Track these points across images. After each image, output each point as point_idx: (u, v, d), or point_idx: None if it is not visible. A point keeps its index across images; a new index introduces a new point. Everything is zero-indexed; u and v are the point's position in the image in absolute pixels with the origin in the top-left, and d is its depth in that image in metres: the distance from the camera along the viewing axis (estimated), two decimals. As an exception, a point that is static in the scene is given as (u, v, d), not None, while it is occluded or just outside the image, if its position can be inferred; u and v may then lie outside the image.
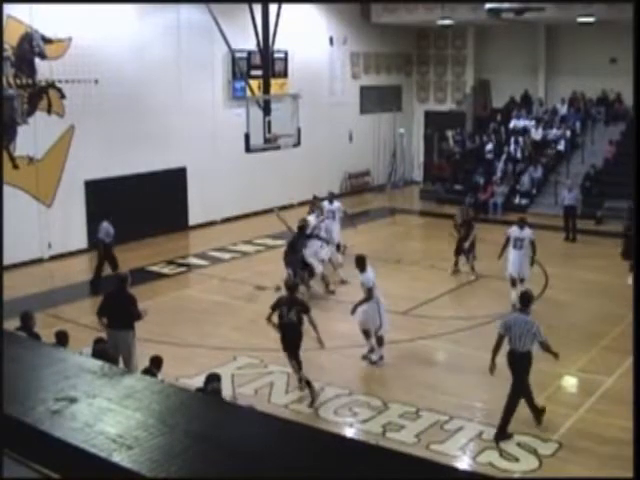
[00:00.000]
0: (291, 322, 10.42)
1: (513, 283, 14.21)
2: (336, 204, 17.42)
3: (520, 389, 9.34)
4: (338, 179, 26.43)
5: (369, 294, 11.53)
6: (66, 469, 3.15)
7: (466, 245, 16.26)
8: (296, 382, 10.83)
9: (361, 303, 11.60)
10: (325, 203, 17.39)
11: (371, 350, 11.88)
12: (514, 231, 14.30)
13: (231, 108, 21.11)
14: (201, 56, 20.87)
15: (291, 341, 10.49)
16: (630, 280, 14.52)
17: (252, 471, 2.96)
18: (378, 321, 11.61)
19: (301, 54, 23.48)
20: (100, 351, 9.18)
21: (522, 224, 14.52)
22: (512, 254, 14.18)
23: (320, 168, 24.80)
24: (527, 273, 14.30)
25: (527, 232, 14.38)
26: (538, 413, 9.58)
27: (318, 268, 15.08)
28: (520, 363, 9.29)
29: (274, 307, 10.65)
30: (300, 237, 14.90)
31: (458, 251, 16.49)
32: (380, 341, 11.76)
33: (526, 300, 9.62)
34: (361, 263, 11.69)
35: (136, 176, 19.32)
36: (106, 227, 15.53)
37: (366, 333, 11.86)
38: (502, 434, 9.19)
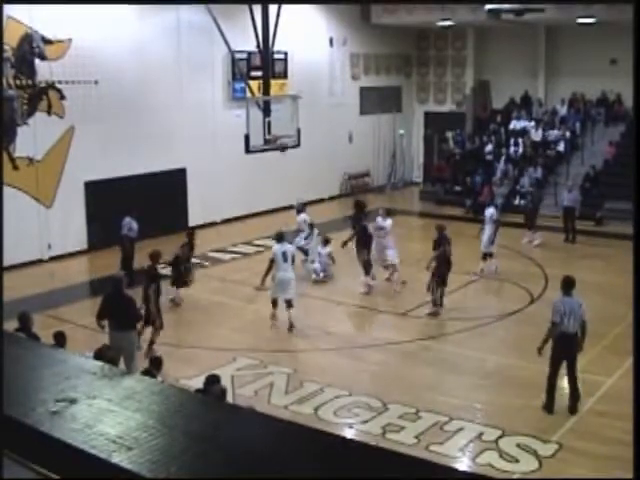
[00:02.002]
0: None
1: (483, 256, 16.59)
2: (302, 216, 17.23)
3: (575, 367, 10.09)
4: (338, 180, 26.45)
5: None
6: (66, 470, 3.15)
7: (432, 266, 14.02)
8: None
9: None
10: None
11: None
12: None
13: (231, 109, 21.11)
14: (201, 57, 20.88)
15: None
16: (525, 240, 19.17)
17: (252, 472, 2.96)
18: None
19: (301, 55, 23.49)
20: (98, 352, 9.15)
21: (490, 204, 17.56)
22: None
23: (320, 169, 24.80)
24: (486, 249, 16.50)
25: (489, 211, 16.77)
26: (551, 402, 9.96)
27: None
28: (572, 344, 9.94)
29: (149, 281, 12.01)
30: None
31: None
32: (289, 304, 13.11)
33: (568, 284, 10.28)
34: (277, 236, 13.52)
35: (136, 177, 19.31)
36: (128, 222, 15.94)
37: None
38: (575, 408, 10.00)
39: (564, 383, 11.46)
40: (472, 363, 11.90)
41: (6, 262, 13.84)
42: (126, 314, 10.25)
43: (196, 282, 16.84)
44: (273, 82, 18.17)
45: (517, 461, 8.83)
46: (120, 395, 3.59)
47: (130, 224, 16.00)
